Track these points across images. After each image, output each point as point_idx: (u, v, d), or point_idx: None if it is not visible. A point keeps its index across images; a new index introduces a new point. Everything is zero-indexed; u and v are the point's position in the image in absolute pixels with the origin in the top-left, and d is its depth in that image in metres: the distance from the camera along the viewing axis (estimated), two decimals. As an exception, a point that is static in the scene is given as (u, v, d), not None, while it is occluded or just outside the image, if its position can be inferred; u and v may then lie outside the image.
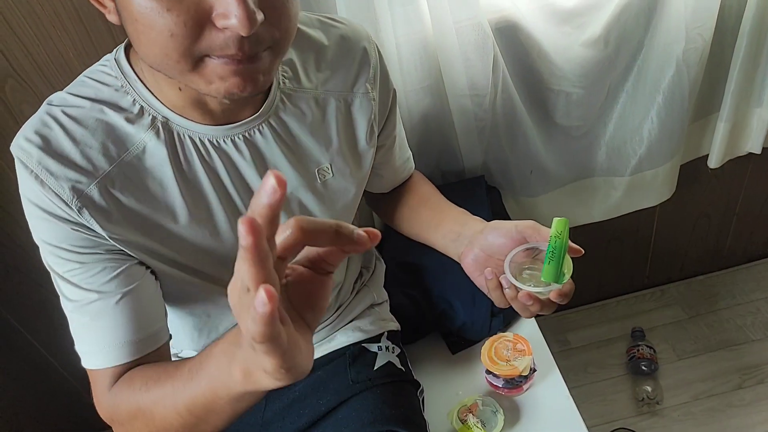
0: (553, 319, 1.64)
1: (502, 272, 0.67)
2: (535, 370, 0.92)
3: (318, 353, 0.90)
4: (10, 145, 0.88)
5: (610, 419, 1.37)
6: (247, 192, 0.70)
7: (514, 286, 0.66)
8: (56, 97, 0.64)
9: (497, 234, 0.72)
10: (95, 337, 0.65)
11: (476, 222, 0.80)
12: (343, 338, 0.92)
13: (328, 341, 0.92)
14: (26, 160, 0.61)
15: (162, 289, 0.72)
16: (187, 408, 0.57)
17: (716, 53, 1.12)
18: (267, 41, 0.53)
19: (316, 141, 0.73)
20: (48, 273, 0.67)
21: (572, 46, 1.05)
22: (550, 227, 0.64)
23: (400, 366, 0.91)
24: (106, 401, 0.66)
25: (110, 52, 0.97)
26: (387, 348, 0.92)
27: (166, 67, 0.54)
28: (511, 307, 0.82)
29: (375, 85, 0.77)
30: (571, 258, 0.65)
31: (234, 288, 0.38)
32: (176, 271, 0.71)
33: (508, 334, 0.94)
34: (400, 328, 0.99)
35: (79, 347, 0.67)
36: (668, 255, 1.61)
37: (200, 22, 0.50)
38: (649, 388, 1.38)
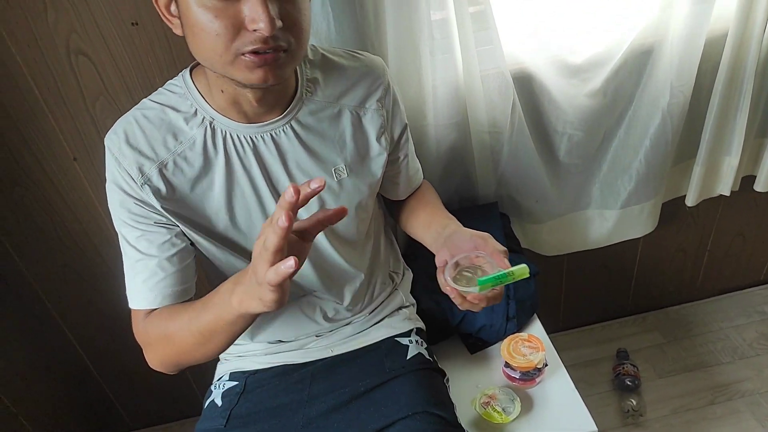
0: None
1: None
2: (546, 365, 1.07)
3: (355, 346, 1.04)
4: (91, 151, 1.18)
5: (599, 430, 1.51)
6: (271, 182, 0.87)
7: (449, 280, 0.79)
8: (141, 102, 0.84)
9: (458, 238, 0.84)
10: (140, 286, 0.84)
11: (453, 225, 0.90)
12: (377, 333, 1.06)
13: (365, 335, 1.06)
14: (111, 147, 0.81)
15: (198, 257, 0.91)
16: (199, 330, 0.78)
17: (694, 108, 1.33)
18: (284, 44, 0.71)
19: (332, 144, 0.89)
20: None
21: (577, 95, 1.25)
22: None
23: (428, 357, 1.05)
24: (140, 328, 0.86)
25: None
26: (417, 341, 1.06)
27: (213, 61, 0.72)
28: (523, 310, 1.00)
29: (383, 104, 0.93)
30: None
31: (258, 243, 0.62)
32: (209, 241, 0.88)
33: (524, 334, 1.09)
34: (425, 328, 1.13)
35: (128, 291, 0.87)
36: (649, 285, 1.80)
37: (237, 26, 0.68)
38: (633, 402, 1.54)
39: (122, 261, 1.39)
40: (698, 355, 1.71)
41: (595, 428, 1.00)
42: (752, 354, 1.69)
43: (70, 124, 1.13)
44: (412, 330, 1.08)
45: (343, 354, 1.03)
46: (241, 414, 0.97)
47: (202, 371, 1.60)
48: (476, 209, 1.35)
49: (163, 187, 0.81)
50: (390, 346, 1.04)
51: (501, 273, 0.74)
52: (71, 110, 1.12)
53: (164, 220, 0.83)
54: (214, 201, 0.85)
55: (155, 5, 0.73)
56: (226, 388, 1.01)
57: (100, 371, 1.54)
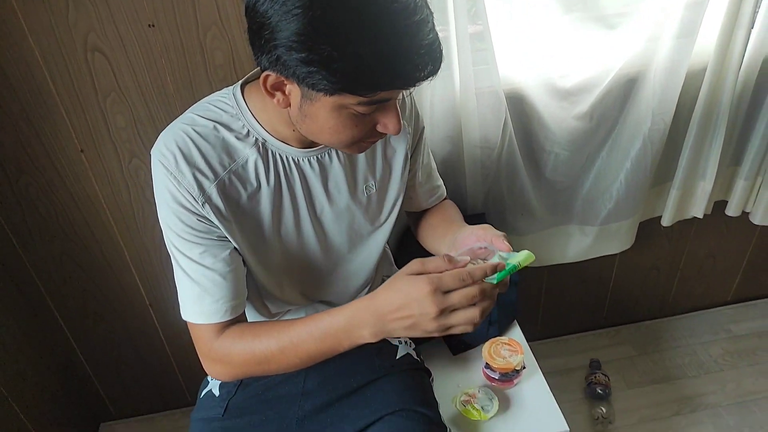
0: (523, 348, 1.87)
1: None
2: (524, 368, 1.14)
3: None
4: (98, 144, 1.17)
5: (569, 434, 1.59)
6: (310, 199, 0.91)
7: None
8: (186, 117, 0.84)
9: (461, 236, 0.89)
10: (202, 301, 0.85)
11: (461, 229, 0.94)
12: None
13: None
14: (167, 164, 0.80)
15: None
16: (308, 354, 0.81)
17: (673, 135, 1.41)
18: None
19: (366, 163, 0.95)
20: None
21: (566, 118, 1.33)
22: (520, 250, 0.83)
23: (416, 357, 1.11)
24: (216, 348, 0.86)
25: (201, 83, 1.19)
26: (405, 342, 1.12)
27: (327, 143, 0.80)
28: (504, 316, 1.05)
29: (410, 122, 1.00)
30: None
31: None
32: (246, 254, 0.90)
33: (504, 338, 1.16)
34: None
35: (187, 307, 0.86)
36: (623, 300, 1.88)
37: (370, 128, 0.77)
38: (603, 409, 1.62)
39: (119, 255, 1.43)
40: (666, 369, 1.80)
41: (567, 428, 1.06)
42: (717, 369, 1.78)
43: (81, 117, 1.17)
44: None
45: None
46: (238, 404, 1.01)
47: (189, 364, 1.64)
48: (465, 219, 1.41)
49: (221, 204, 0.82)
50: (381, 345, 1.09)
51: (511, 265, 0.75)
52: (83, 104, 1.16)
53: (224, 234, 0.85)
54: (262, 216, 0.88)
55: (261, 83, 0.72)
56: (224, 379, 1.06)
57: (88, 360, 1.57)
